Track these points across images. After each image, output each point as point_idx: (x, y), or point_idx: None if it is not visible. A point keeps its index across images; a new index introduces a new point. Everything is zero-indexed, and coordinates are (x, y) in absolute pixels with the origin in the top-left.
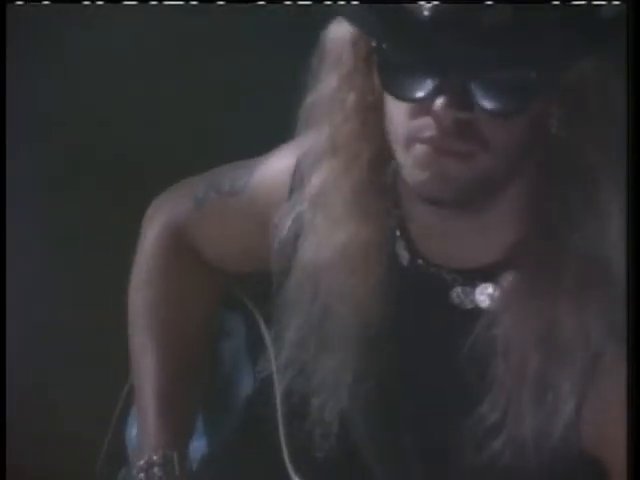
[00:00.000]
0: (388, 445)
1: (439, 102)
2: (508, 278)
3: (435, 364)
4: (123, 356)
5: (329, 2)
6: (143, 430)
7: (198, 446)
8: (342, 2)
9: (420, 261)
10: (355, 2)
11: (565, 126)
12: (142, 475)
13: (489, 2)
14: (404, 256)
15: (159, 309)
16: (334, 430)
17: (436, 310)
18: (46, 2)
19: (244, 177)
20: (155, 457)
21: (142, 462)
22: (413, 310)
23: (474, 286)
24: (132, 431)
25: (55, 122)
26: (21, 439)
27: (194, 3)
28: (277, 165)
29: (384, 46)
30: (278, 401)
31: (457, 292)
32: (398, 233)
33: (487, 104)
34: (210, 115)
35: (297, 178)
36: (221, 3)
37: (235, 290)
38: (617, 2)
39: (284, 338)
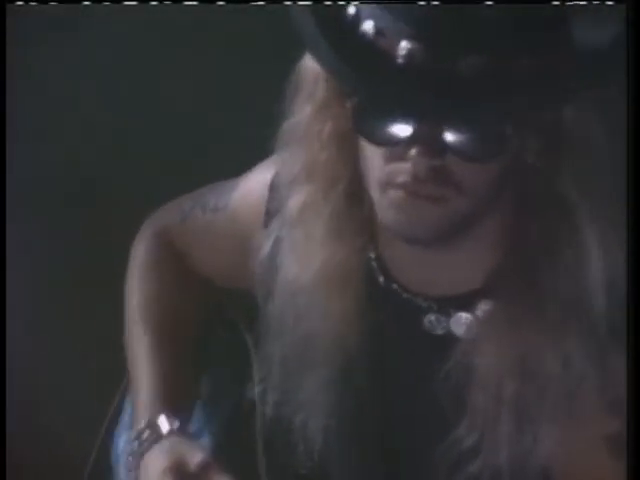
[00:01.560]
0: (361, 465)
1: (413, 150)
2: (484, 307)
3: (409, 387)
4: (125, 355)
5: (329, 2)
6: (136, 409)
7: None
8: (342, 2)
9: (395, 286)
10: (356, 2)
11: (541, 157)
12: (135, 443)
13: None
14: (379, 280)
15: (151, 308)
16: (301, 448)
17: (409, 335)
18: (46, 2)
19: (226, 194)
20: (143, 422)
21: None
22: (387, 334)
23: (448, 315)
24: (119, 444)
25: (55, 122)
26: (21, 439)
27: (194, 3)
28: (256, 181)
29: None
30: (258, 420)
31: (430, 319)
32: (373, 255)
33: (462, 152)
34: (212, 117)
35: (275, 197)
36: (221, 3)
37: (221, 309)
38: (611, 2)
39: (267, 357)
